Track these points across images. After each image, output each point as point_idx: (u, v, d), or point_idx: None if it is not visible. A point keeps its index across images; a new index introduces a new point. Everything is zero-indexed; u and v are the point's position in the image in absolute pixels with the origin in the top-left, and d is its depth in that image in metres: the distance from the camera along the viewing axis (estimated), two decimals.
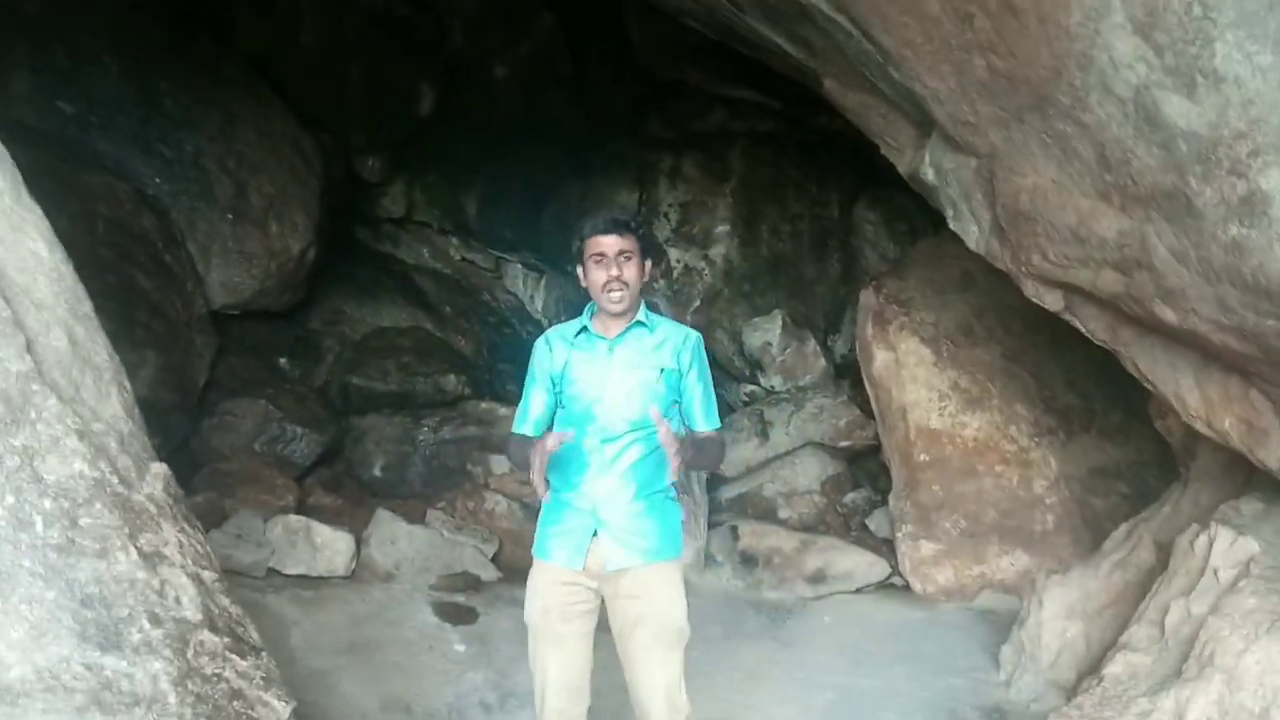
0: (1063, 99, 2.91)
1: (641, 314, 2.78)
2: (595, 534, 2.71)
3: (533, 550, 2.82)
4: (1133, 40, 2.62)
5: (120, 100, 5.93)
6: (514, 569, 5.19)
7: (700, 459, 2.84)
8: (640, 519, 2.72)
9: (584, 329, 2.79)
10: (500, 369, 7.45)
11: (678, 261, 7.52)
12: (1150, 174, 2.76)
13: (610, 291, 2.68)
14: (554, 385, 2.80)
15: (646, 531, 2.73)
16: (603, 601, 2.78)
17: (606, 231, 2.69)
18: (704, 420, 2.81)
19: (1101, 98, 2.78)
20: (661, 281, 7.58)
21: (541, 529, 2.81)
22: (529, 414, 2.83)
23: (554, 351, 2.80)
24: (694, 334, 2.85)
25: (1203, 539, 3.29)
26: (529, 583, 2.80)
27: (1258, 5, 2.34)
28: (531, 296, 8.41)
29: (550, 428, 2.80)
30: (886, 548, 5.52)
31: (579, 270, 2.77)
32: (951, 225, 3.95)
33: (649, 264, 2.78)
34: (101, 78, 5.90)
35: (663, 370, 2.73)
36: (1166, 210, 2.77)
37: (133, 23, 6.12)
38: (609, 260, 2.67)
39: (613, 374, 2.72)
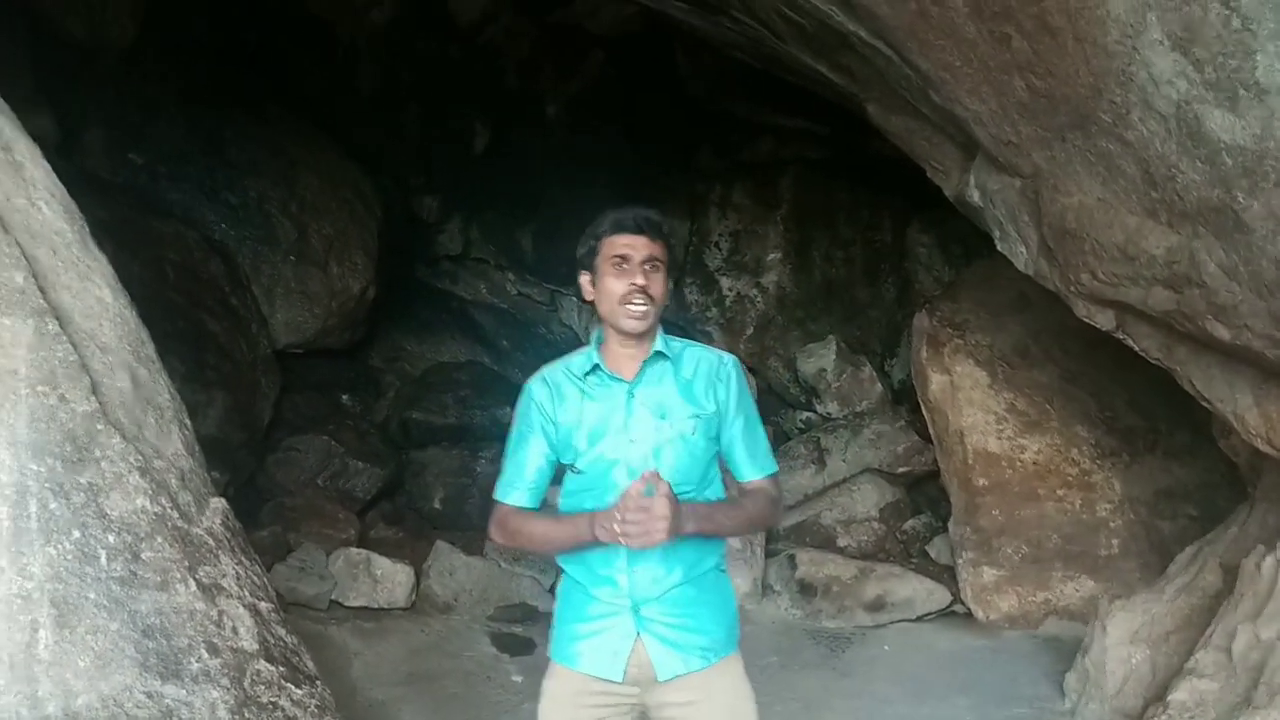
0: (1104, 117, 2.89)
1: (660, 343, 2.19)
2: (637, 634, 2.15)
3: (549, 652, 2.27)
4: (1171, 56, 2.60)
5: (187, 151, 6.19)
6: None
7: (734, 522, 2.23)
8: (692, 610, 2.16)
9: (595, 367, 2.19)
10: None
11: (730, 289, 7.55)
12: (1196, 189, 2.73)
13: (631, 304, 2.10)
14: (555, 442, 2.20)
15: (701, 625, 2.18)
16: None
17: (635, 230, 2.13)
18: (750, 467, 2.23)
19: (1143, 114, 2.76)
20: (714, 310, 7.61)
21: (562, 625, 2.24)
22: (524, 477, 2.21)
23: (557, 396, 2.19)
24: (729, 358, 2.26)
25: (1269, 561, 3.19)
26: (544, 689, 2.24)
27: None
28: (587, 329, 8.50)
29: (544, 498, 2.25)
30: (948, 575, 5.43)
31: (585, 279, 2.20)
32: (999, 246, 3.93)
33: (670, 284, 2.23)
34: (169, 130, 6.17)
35: (699, 417, 2.17)
36: (1214, 225, 2.73)
37: (193, 71, 6.39)
38: (633, 266, 2.11)
39: (635, 428, 2.15)
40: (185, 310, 5.62)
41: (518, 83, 8.33)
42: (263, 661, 2.29)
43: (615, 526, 1.98)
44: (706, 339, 7.44)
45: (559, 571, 2.31)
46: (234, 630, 2.28)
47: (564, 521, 2.16)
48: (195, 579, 2.25)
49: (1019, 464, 5.26)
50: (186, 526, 2.34)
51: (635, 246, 2.13)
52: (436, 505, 6.10)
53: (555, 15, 7.98)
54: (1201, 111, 2.58)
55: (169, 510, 2.30)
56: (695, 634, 2.16)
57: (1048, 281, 3.67)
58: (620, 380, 2.17)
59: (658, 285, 2.13)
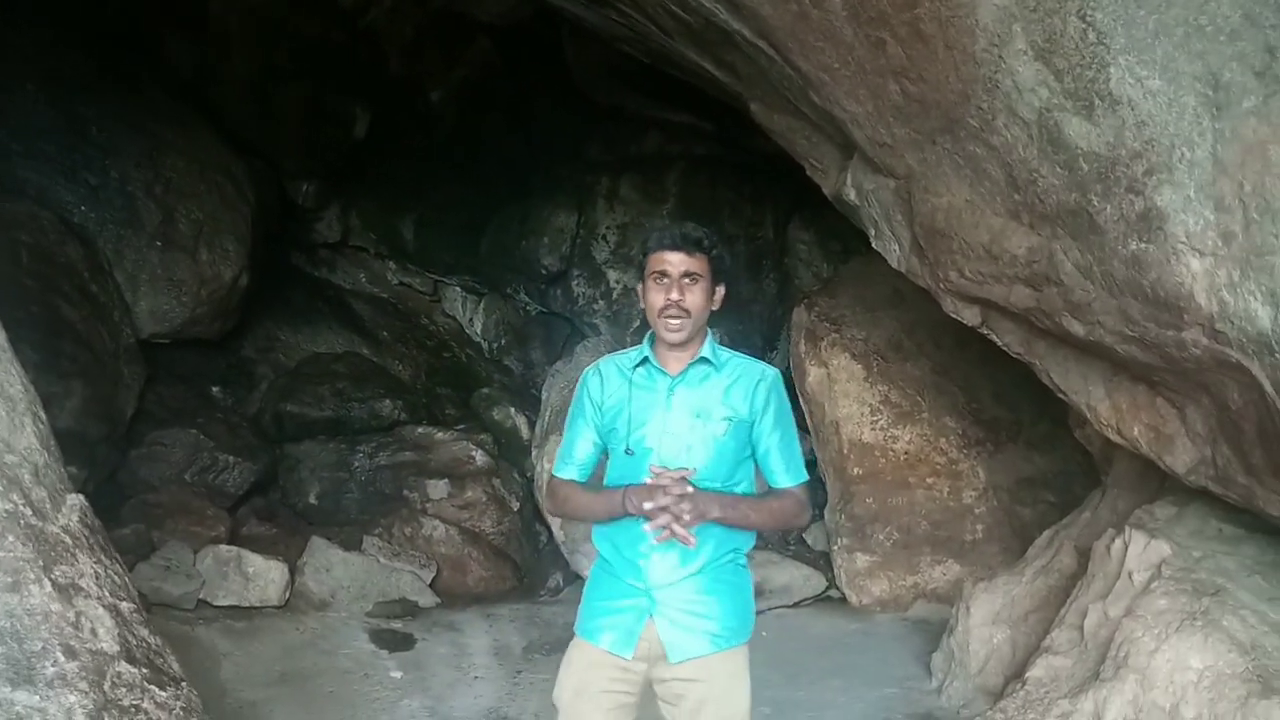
0: (971, 122, 3.02)
1: (707, 349, 2.38)
2: (651, 615, 2.32)
3: (575, 625, 2.44)
4: (1034, 65, 2.73)
5: (44, 127, 5.83)
6: (452, 594, 5.17)
7: (759, 515, 2.37)
8: (705, 598, 2.32)
9: (645, 360, 2.39)
10: (439, 393, 7.43)
11: (616, 282, 7.58)
12: (1055, 193, 2.88)
13: (667, 318, 2.30)
14: (600, 427, 2.42)
15: (713, 613, 2.33)
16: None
17: (674, 247, 2.31)
18: (785, 475, 2.38)
19: (1007, 120, 2.89)
20: (601, 303, 7.63)
21: (588, 602, 2.44)
22: (574, 455, 2.45)
23: (607, 384, 2.41)
24: (771, 371, 2.42)
25: (1118, 543, 3.40)
26: (566, 657, 2.43)
27: (1145, 33, 2.47)
28: (471, 319, 8.40)
29: (593, 474, 2.46)
30: (823, 561, 5.60)
31: (638, 288, 2.42)
32: (874, 244, 4.06)
33: (721, 290, 2.39)
34: (25, 105, 5.79)
35: (730, 420, 2.32)
36: (1071, 227, 2.88)
37: (57, 48, 6.03)
38: (671, 281, 2.30)
39: (670, 422, 2.33)
40: (39, 296, 5.29)
41: (401, 68, 8.14)
42: (124, 663, 2.18)
43: (645, 504, 2.21)
44: (594, 331, 7.45)
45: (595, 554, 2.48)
46: (93, 631, 2.16)
47: (604, 494, 2.36)
48: (50, 579, 2.13)
49: (891, 454, 5.46)
50: (41, 524, 2.21)
51: (673, 262, 2.31)
52: (312, 500, 5.94)
53: (440, 0, 7.84)
54: (1061, 119, 2.72)
55: (21, 507, 2.17)
56: (708, 619, 2.32)
57: (919, 279, 3.81)
58: (665, 374, 2.37)
59: (694, 298, 2.31)
